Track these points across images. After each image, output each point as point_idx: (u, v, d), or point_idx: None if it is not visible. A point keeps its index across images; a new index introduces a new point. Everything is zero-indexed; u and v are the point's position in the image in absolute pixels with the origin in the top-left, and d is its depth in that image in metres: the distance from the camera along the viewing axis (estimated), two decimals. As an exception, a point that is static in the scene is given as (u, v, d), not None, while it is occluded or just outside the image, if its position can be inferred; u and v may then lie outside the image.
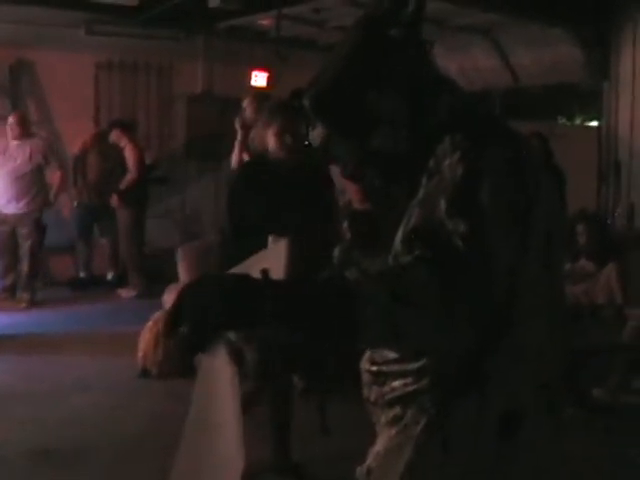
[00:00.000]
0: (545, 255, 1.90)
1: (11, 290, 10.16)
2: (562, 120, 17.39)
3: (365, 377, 2.11)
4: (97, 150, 11.01)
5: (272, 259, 2.01)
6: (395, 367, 1.99)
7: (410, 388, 1.96)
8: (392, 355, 1.99)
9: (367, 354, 2.10)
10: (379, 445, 2.09)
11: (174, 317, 1.66)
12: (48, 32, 10.61)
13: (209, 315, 1.62)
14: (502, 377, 1.88)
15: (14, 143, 9.88)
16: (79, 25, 10.96)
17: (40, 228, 10.04)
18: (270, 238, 6.45)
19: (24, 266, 10.01)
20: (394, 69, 1.98)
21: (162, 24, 11.06)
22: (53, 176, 10.11)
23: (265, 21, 11.19)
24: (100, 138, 11.14)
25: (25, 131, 9.93)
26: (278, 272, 1.84)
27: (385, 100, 1.96)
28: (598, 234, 7.22)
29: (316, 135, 2.05)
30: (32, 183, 9.89)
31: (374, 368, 2.06)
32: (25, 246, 9.95)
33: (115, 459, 5.44)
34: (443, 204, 1.78)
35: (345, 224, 7.08)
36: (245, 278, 1.68)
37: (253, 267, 1.74)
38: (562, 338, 2.03)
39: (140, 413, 6.29)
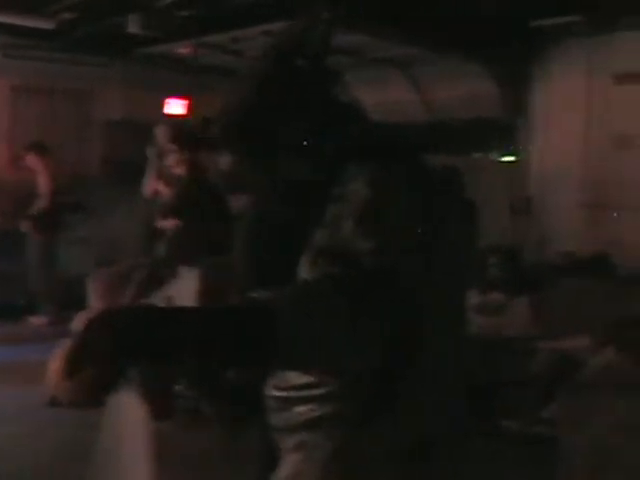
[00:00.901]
0: (449, 283, 1.93)
1: None
2: (479, 154, 17.62)
3: (270, 403, 2.10)
4: (11, 174, 10.86)
5: (183, 288, 2.01)
6: (300, 393, 1.99)
7: (315, 414, 1.96)
8: (297, 381, 1.98)
9: (272, 380, 2.09)
10: (283, 471, 2.07)
11: (77, 355, 1.64)
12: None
13: (114, 352, 1.61)
14: (410, 405, 1.89)
15: None
16: (-5, 48, 10.83)
17: None
18: (180, 268, 6.44)
19: None
20: (301, 98, 2.01)
21: (81, 49, 10.98)
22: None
23: (184, 49, 11.19)
24: (14, 162, 10.98)
25: None
26: (189, 301, 1.83)
27: (292, 128, 1.99)
28: (510, 266, 7.32)
29: (224, 163, 2.05)
30: None
31: (279, 394, 2.05)
32: None
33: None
34: (350, 225, 1.81)
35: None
36: (152, 309, 1.66)
37: (165, 296, 1.73)
38: (466, 368, 2.05)
39: (50, 442, 6.17)
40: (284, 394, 2.04)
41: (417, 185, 1.92)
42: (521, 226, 10.71)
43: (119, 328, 1.62)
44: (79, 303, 8.04)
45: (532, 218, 10.63)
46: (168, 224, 7.51)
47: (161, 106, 11.86)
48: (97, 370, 1.62)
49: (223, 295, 2.55)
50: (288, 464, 2.06)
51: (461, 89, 11.21)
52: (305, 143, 2.00)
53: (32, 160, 10.53)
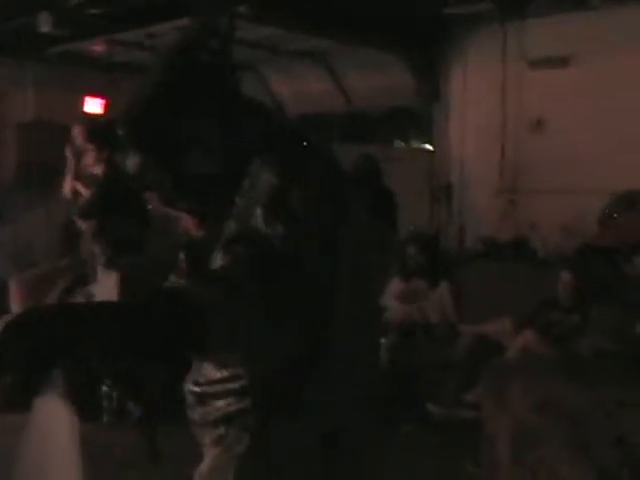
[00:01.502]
0: (356, 271, 1.95)
1: None
2: (398, 143, 17.72)
3: (189, 398, 2.11)
4: None
5: (104, 291, 1.99)
6: (218, 387, 2.00)
7: (233, 407, 1.97)
8: (214, 375, 2.00)
9: (190, 375, 2.10)
10: (203, 465, 2.09)
11: None
12: None
13: (31, 354, 1.57)
14: (321, 395, 1.91)
15: None
16: None
17: None
18: (99, 269, 6.37)
19: None
20: (204, 94, 2.01)
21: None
22: None
23: (97, 47, 11.07)
24: None
25: None
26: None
27: (196, 125, 1.99)
28: (430, 254, 7.38)
29: (131, 163, 2.04)
30: None
31: (197, 389, 2.07)
32: None
33: None
34: (259, 212, 1.83)
35: (181, 255, 7.05)
36: (66, 306, 1.64)
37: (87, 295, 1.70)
38: (375, 355, 2.08)
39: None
40: (202, 389, 2.05)
41: (323, 174, 1.95)
42: (441, 213, 10.81)
43: (34, 329, 1.58)
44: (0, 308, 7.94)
45: (452, 205, 10.73)
46: (87, 225, 7.43)
47: (76, 106, 11.70)
48: (16, 375, 1.59)
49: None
50: (208, 458, 2.08)
51: (377, 79, 11.27)
52: (206, 139, 2.00)
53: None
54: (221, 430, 2.02)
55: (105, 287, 6.27)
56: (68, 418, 1.66)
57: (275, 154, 1.95)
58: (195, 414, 2.10)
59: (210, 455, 2.07)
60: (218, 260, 1.91)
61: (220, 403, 2.00)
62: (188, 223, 2.16)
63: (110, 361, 1.69)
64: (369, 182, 8.12)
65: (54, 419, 1.66)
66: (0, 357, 1.58)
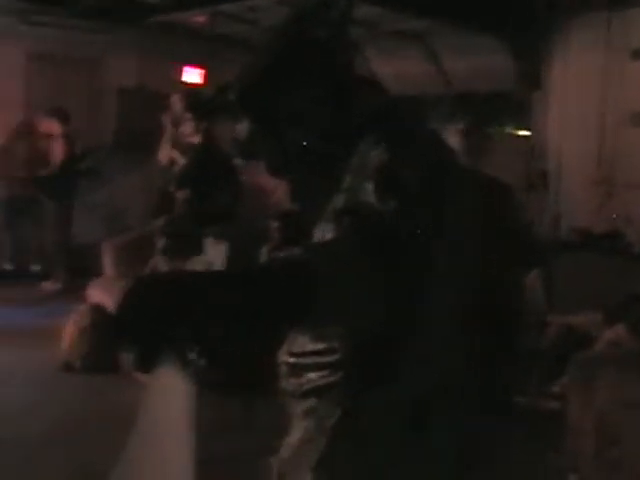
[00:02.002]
0: (457, 252, 1.95)
1: None
2: (495, 128, 17.57)
3: (282, 369, 2.14)
4: (25, 140, 10.87)
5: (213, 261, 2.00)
6: (312, 359, 2.02)
7: (325, 380, 1.99)
8: (310, 347, 2.01)
9: (285, 346, 2.12)
10: (293, 436, 2.12)
11: (118, 325, 1.61)
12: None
13: (152, 325, 1.59)
14: (408, 373, 1.92)
15: None
16: (11, 13, 10.80)
17: None
18: (208, 239, 6.44)
19: None
20: (316, 67, 2.03)
21: (95, 16, 10.95)
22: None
23: (199, 18, 11.15)
24: (29, 127, 11.00)
25: None
26: None
27: (306, 96, 2.01)
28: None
29: (242, 129, 2.07)
30: None
31: (291, 360, 2.09)
32: None
33: (28, 454, 5.36)
34: (369, 187, 1.83)
35: (274, 225, 7.12)
36: (184, 274, 1.66)
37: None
38: (471, 340, 2.07)
39: (60, 407, 6.23)
40: (296, 360, 2.07)
41: (432, 151, 1.98)
42: (536, 201, 10.68)
43: (154, 299, 1.60)
44: (92, 270, 8.09)
45: (547, 193, 10.59)
46: (182, 193, 7.52)
47: (175, 74, 11.84)
48: (137, 347, 1.61)
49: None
50: (298, 430, 2.10)
51: (478, 61, 11.16)
52: (315, 111, 2.02)
53: (52, 126, 10.52)
54: (312, 402, 2.04)
55: (213, 257, 6.36)
56: (184, 389, 1.67)
57: (385, 131, 1.96)
58: (287, 384, 2.12)
59: (299, 427, 2.10)
60: (327, 232, 1.93)
61: (313, 375, 2.02)
62: (282, 195, 2.18)
63: (218, 330, 1.69)
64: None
65: (170, 389, 1.68)
66: (122, 327, 1.62)
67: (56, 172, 10.38)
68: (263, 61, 2.07)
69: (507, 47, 10.64)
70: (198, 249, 6.83)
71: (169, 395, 1.66)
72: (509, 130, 13.13)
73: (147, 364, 1.63)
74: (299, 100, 2.01)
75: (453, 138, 4.66)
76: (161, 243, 7.25)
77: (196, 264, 6.65)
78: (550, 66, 10.82)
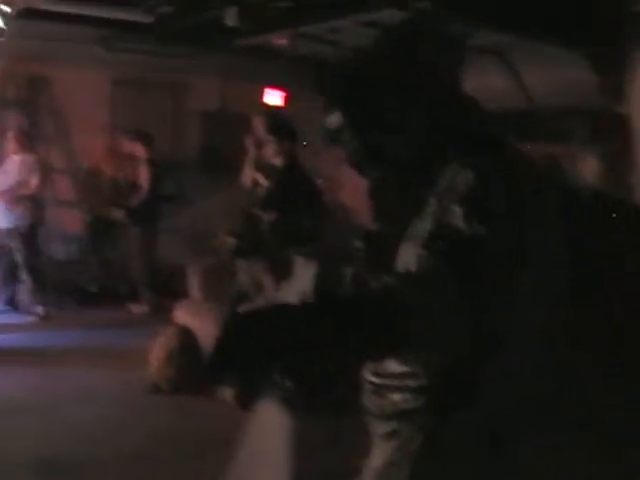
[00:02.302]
0: (544, 273, 1.93)
1: (11, 303, 10.31)
2: (576, 143, 17.32)
3: (366, 387, 2.15)
4: (111, 164, 11.07)
5: (301, 281, 2.01)
6: (397, 381, 2.04)
7: (409, 405, 2.00)
8: (395, 369, 2.03)
9: (369, 365, 2.13)
10: (375, 460, 2.12)
11: (217, 363, 1.63)
12: (65, 48, 10.68)
13: (256, 358, 1.61)
14: (490, 396, 1.93)
15: (10, 158, 10.14)
16: (96, 41, 11.02)
17: (30, 242, 10.13)
18: (298, 259, 6.46)
19: (26, 281, 10.15)
20: (417, 80, 2.04)
21: (177, 41, 11.12)
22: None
23: (280, 40, 11.23)
24: (115, 151, 11.21)
25: (21, 147, 10.09)
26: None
27: (408, 107, 2.03)
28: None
29: (333, 119, 2.08)
30: (20, 197, 9.99)
31: (376, 380, 2.10)
32: (20, 261, 10.08)
33: (117, 474, 5.44)
34: (457, 211, 1.83)
35: (359, 245, 7.09)
36: (283, 306, 1.67)
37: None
38: (560, 356, 2.06)
39: (147, 429, 6.30)
40: (381, 381, 2.08)
41: (520, 174, 1.96)
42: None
43: (257, 331, 1.61)
44: (178, 292, 8.19)
45: (633, 208, 10.41)
46: (267, 216, 7.57)
47: (256, 97, 11.94)
48: (243, 378, 1.63)
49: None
50: (380, 453, 2.12)
51: (560, 76, 11.04)
52: (405, 120, 2.03)
53: (136, 150, 10.68)
54: (394, 425, 2.06)
55: (302, 278, 6.37)
56: (282, 422, 1.69)
57: (474, 154, 1.95)
58: (370, 403, 2.14)
59: (381, 449, 2.11)
60: (412, 256, 1.93)
61: (396, 397, 2.04)
62: (365, 215, 2.19)
63: (316, 358, 1.70)
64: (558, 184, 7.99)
65: (269, 423, 1.70)
66: (220, 365, 1.64)
67: (145, 197, 10.52)
68: (372, 60, 2.08)
69: (590, 61, 10.50)
70: (286, 270, 6.84)
71: (268, 428, 1.68)
72: (593, 146, 12.95)
73: (248, 400, 1.64)
74: (398, 107, 2.02)
75: (592, 162, 4.53)
76: (244, 264, 7.29)
77: (284, 286, 6.68)
78: (633, 80, 10.65)
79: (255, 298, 7.09)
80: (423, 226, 1.95)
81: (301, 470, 5.12)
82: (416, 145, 2.03)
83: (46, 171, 10.92)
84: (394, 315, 1.67)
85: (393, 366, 2.03)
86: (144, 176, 10.57)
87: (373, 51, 2.12)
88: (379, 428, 2.11)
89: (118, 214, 10.58)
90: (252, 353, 1.59)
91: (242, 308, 1.73)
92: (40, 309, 10.03)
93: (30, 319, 9.90)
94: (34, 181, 10.04)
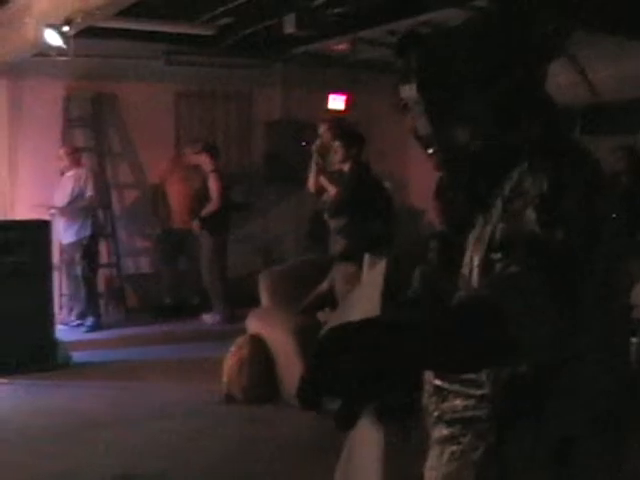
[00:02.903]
0: (607, 278, 1.89)
1: (83, 317, 10.53)
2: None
3: (428, 387, 2.12)
4: (178, 176, 11.17)
5: (371, 285, 1.95)
6: (460, 387, 2.00)
7: (470, 413, 1.97)
8: (460, 375, 1.99)
9: None
10: (435, 469, 2.09)
11: (315, 386, 1.54)
12: (128, 64, 10.84)
13: (357, 380, 1.52)
14: (556, 407, 1.88)
15: (66, 175, 10.34)
16: (158, 56, 11.16)
17: (89, 254, 10.33)
18: (366, 258, 6.44)
19: (82, 292, 10.39)
20: (510, 79, 1.97)
21: (239, 52, 11.20)
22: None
23: (340, 46, 11.25)
24: (181, 163, 11.31)
25: (73, 163, 10.32)
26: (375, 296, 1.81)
27: (485, 102, 1.97)
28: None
29: (407, 90, 2.05)
30: (78, 212, 10.18)
31: (438, 382, 2.07)
32: (78, 273, 10.30)
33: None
34: (532, 215, 1.78)
35: (432, 243, 7.02)
36: (379, 322, 1.62)
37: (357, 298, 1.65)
38: (620, 364, 2.01)
39: (222, 439, 6.33)
40: (443, 384, 2.05)
41: (591, 177, 1.89)
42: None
43: (357, 350, 1.52)
44: (250, 301, 8.22)
45: None
46: (335, 222, 7.58)
47: (320, 103, 11.97)
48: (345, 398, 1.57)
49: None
50: (438, 458, 2.08)
51: (625, 68, 10.89)
52: (481, 119, 1.98)
53: (204, 161, 10.77)
54: (453, 430, 2.02)
55: (374, 275, 6.32)
56: (378, 438, 1.67)
57: (546, 159, 1.89)
58: (430, 404, 2.11)
59: (439, 454, 2.07)
60: (483, 260, 1.91)
61: (458, 402, 2.00)
62: (432, 216, 2.16)
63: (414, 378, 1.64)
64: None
65: (368, 440, 1.68)
66: (319, 388, 1.54)
67: (215, 208, 10.60)
68: (464, 48, 2.00)
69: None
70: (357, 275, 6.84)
71: (367, 445, 1.67)
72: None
73: (348, 423, 1.59)
74: (475, 100, 1.96)
75: None
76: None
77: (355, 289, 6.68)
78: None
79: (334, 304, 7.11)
80: (489, 229, 1.92)
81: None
82: (484, 138, 1.98)
83: (113, 186, 11.11)
84: (497, 326, 1.62)
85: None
86: (213, 187, 10.63)
87: (464, 27, 2.08)
88: (436, 430, 2.08)
89: (194, 225, 10.65)
90: (352, 375, 1.51)
91: (332, 326, 1.65)
92: (91, 321, 10.30)
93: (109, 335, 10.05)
94: (89, 192, 10.22)
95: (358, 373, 1.49)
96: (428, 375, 2.11)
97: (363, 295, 1.66)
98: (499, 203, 1.92)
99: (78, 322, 10.52)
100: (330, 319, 2.13)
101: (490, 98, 1.96)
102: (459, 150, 2.01)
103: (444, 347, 1.59)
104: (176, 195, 11.10)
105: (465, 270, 2.02)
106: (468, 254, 2.03)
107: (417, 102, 2.03)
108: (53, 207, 10.17)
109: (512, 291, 1.68)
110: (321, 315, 6.92)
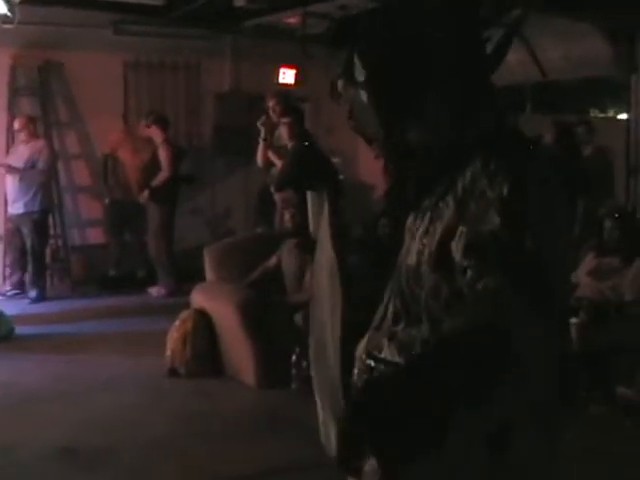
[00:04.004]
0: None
1: (20, 287, 10.49)
2: (594, 112, 17.27)
3: (360, 367, 2.15)
4: (129, 147, 11.08)
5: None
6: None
7: None
8: (390, 358, 2.03)
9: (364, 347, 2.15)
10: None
11: (356, 435, 1.61)
12: (76, 33, 10.69)
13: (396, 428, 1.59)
14: (497, 394, 1.88)
15: (20, 146, 10.27)
16: (107, 25, 11.02)
17: (40, 228, 10.28)
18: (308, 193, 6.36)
19: (29, 265, 10.30)
20: (461, 70, 1.94)
21: (189, 23, 11.10)
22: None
23: (291, 19, 11.19)
24: (131, 135, 11.22)
25: (30, 134, 10.22)
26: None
27: (436, 96, 1.92)
28: (626, 229, 7.08)
29: (353, 94, 1.98)
30: (30, 184, 10.09)
31: (372, 363, 2.10)
32: (27, 245, 10.22)
33: (139, 459, 5.47)
34: (495, 219, 1.77)
35: (382, 221, 7.03)
36: (402, 371, 1.68)
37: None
38: (558, 348, 2.02)
39: (166, 413, 6.33)
40: (375, 364, 2.08)
41: (551, 177, 1.89)
42: (638, 186, 10.46)
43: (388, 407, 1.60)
44: (197, 274, 8.20)
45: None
46: (281, 196, 7.58)
47: (270, 76, 11.93)
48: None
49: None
50: None
51: (573, 48, 10.97)
52: (431, 112, 1.94)
53: (154, 132, 10.69)
54: None
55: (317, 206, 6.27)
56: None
57: (500, 157, 1.88)
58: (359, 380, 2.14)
59: None
60: (458, 258, 1.85)
61: None
62: (381, 193, 2.15)
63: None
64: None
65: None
66: (360, 439, 1.61)
67: (165, 178, 10.53)
68: (408, 38, 1.93)
69: (602, 32, 10.43)
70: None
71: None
72: (611, 114, 12.93)
73: (396, 466, 1.62)
74: (425, 95, 1.92)
75: None
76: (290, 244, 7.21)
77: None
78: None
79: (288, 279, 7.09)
80: (439, 226, 1.91)
81: None
82: (438, 136, 1.96)
83: (60, 157, 10.99)
84: (507, 343, 1.64)
85: (385, 352, 2.03)
86: (163, 156, 10.56)
87: (412, 7, 1.98)
88: None
89: (142, 196, 10.57)
90: (392, 424, 1.58)
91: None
92: (35, 293, 10.23)
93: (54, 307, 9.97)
94: (41, 165, 10.15)
95: (392, 421, 1.57)
96: (361, 354, 2.13)
97: (322, 239, 1.67)
98: (450, 201, 1.91)
99: (14, 292, 10.47)
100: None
101: (446, 94, 1.92)
102: (410, 148, 1.98)
103: (464, 379, 1.63)
104: (126, 166, 11.01)
105: (411, 260, 2.01)
106: (415, 245, 2.01)
107: (364, 107, 1.97)
108: (8, 165, 10.12)
109: (502, 309, 1.69)
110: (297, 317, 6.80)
